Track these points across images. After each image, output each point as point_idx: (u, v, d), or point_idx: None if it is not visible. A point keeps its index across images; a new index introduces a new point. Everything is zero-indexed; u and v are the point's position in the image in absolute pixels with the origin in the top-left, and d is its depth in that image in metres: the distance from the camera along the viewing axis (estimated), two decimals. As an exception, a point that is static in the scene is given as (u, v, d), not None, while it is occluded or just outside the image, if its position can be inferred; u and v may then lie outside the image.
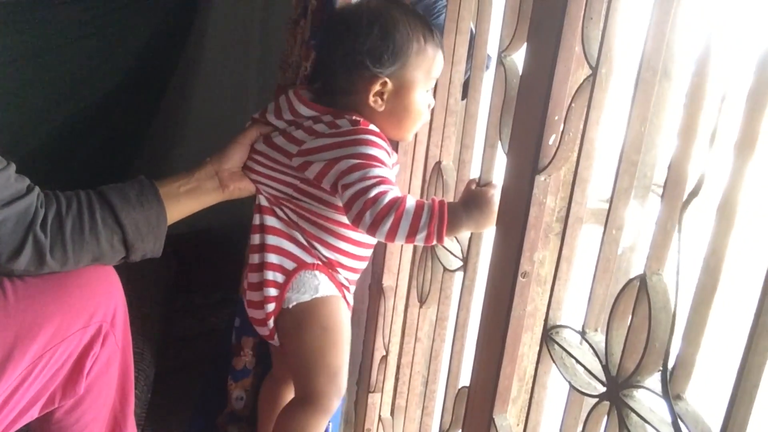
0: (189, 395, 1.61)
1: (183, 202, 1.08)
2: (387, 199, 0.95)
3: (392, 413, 1.43)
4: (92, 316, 1.01)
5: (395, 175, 1.12)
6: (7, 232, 0.90)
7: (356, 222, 0.98)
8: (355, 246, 1.12)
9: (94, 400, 1.08)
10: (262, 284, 1.10)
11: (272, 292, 1.10)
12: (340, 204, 1.02)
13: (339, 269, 1.12)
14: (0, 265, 0.93)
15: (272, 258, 1.10)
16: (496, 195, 0.94)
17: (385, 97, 1.05)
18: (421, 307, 1.25)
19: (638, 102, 0.67)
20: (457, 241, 1.08)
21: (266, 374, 1.58)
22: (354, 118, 1.04)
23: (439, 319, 1.17)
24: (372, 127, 1.04)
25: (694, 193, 0.59)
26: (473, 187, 0.99)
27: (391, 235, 0.96)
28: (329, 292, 1.11)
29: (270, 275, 1.10)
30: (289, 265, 1.10)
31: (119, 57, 1.80)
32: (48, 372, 0.99)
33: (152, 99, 2.05)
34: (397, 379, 1.40)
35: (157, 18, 1.84)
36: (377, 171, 0.98)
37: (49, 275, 0.98)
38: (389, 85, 1.04)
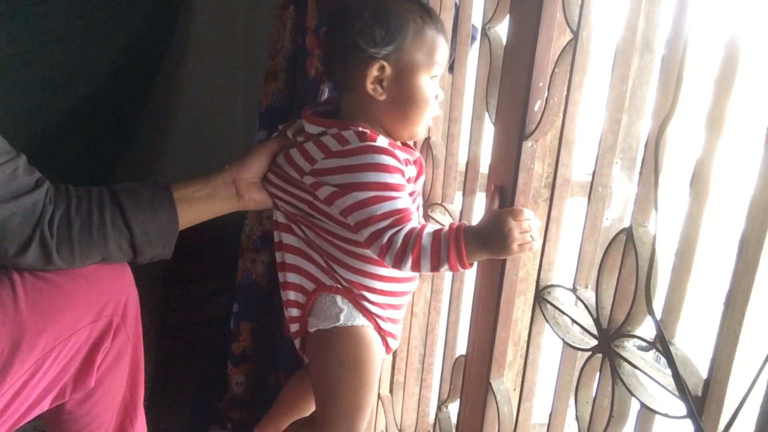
0: (189, 383, 1.63)
1: (197, 207, 1.04)
2: (400, 239, 0.90)
3: (391, 390, 1.46)
4: (102, 310, 1.00)
5: (420, 185, 1.06)
6: (14, 227, 0.89)
7: (381, 259, 0.93)
8: (380, 267, 1.01)
9: (105, 393, 1.08)
10: (287, 304, 1.07)
11: (294, 312, 1.07)
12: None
13: (366, 293, 1.02)
14: (7, 260, 0.93)
15: (292, 278, 1.05)
16: (516, 224, 0.84)
17: (384, 84, 0.97)
18: (415, 282, 1.27)
19: (619, 61, 0.69)
20: (449, 213, 1.11)
21: (265, 359, 1.60)
22: (360, 129, 0.97)
23: (434, 292, 1.19)
24: (380, 141, 0.97)
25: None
26: (495, 201, 0.89)
27: (416, 270, 0.92)
28: (353, 321, 1.02)
29: (292, 295, 1.06)
30: (309, 285, 1.04)
31: (106, 51, 1.81)
32: (58, 365, 0.99)
33: (140, 91, 2.05)
34: (394, 357, 1.42)
35: (143, 10, 1.84)
36: (390, 205, 0.92)
37: (58, 270, 0.98)
38: (387, 69, 0.96)
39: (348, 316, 1.02)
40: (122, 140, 2.07)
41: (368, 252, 0.97)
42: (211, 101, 2.14)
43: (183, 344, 1.81)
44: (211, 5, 2.09)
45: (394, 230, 0.90)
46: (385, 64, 0.96)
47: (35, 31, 1.59)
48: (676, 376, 0.59)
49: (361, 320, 1.02)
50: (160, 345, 1.66)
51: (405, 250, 0.89)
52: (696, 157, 0.60)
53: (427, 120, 1.02)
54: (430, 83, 0.99)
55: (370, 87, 0.97)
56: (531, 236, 0.84)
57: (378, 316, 1.04)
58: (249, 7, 2.09)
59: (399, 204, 0.92)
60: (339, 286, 1.02)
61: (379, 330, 1.04)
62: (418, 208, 1.04)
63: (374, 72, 0.96)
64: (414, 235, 0.89)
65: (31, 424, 1.13)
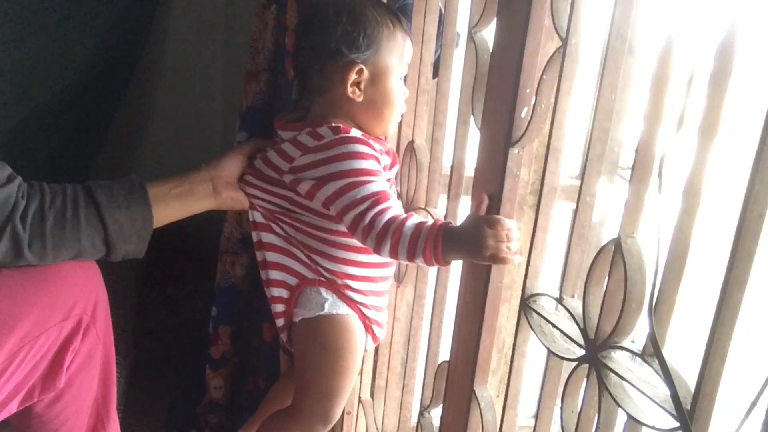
0: (166, 386, 1.61)
1: (172, 205, 1.05)
2: (384, 220, 0.93)
3: (372, 395, 1.45)
4: (72, 309, 0.99)
5: (394, 173, 1.11)
6: None
7: (364, 245, 0.96)
8: (360, 254, 1.07)
9: (76, 394, 1.06)
10: (272, 300, 1.10)
11: (279, 308, 1.10)
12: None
13: (349, 282, 1.07)
14: None
15: (274, 275, 1.09)
16: (492, 233, 0.83)
17: (362, 86, 1.03)
18: (398, 287, 1.26)
19: (608, 69, 0.68)
20: (432, 218, 1.10)
21: (243, 364, 1.58)
22: (333, 124, 1.01)
23: (416, 296, 1.18)
24: (354, 132, 1.01)
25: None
26: (483, 205, 0.87)
27: (393, 256, 0.93)
28: (337, 310, 1.06)
29: (275, 291, 1.09)
30: (292, 281, 1.08)
31: (82, 45, 1.76)
32: (26, 366, 0.97)
33: (117, 88, 2.01)
34: (375, 361, 1.41)
35: (121, 4, 1.81)
36: (369, 188, 0.95)
37: (27, 267, 0.95)
38: (365, 72, 1.02)
39: (332, 305, 1.06)
40: (98, 139, 2.03)
41: (349, 240, 1.04)
42: (189, 99, 2.11)
43: (160, 347, 1.78)
44: (189, 1, 2.05)
45: (376, 211, 0.94)
46: (363, 67, 1.02)
47: (10, 23, 1.55)
48: (672, 389, 0.59)
49: (345, 309, 1.07)
50: (137, 347, 1.63)
51: (386, 233, 0.92)
52: (688, 166, 0.59)
53: (398, 116, 1.09)
54: (399, 83, 1.06)
55: (349, 90, 1.02)
56: (508, 247, 0.84)
57: (362, 304, 1.08)
58: (228, 4, 2.06)
59: (375, 187, 0.96)
60: (322, 278, 1.06)
61: (364, 318, 1.09)
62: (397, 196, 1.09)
63: (353, 75, 1.02)
64: (398, 221, 0.92)
65: (8, 429, 1.10)
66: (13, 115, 1.73)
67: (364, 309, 1.09)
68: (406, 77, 1.13)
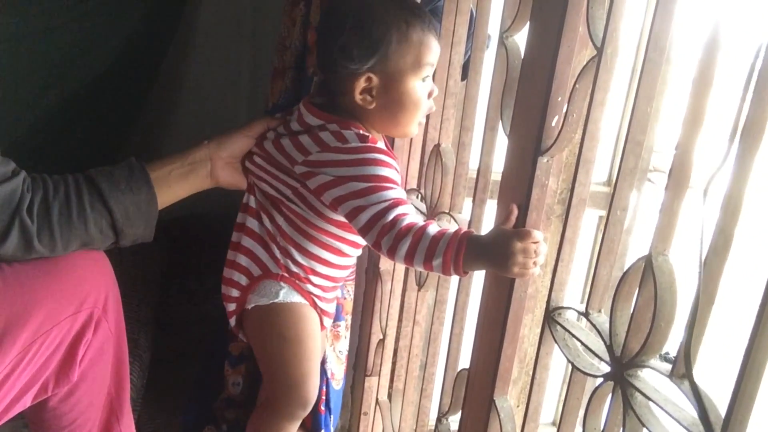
0: (185, 381, 1.61)
1: (174, 187, 1.05)
2: (405, 222, 0.91)
3: (390, 397, 1.44)
4: (83, 302, 0.99)
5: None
6: None
7: (375, 246, 0.94)
8: (335, 255, 1.09)
9: (89, 388, 1.07)
10: (229, 282, 1.11)
11: (234, 293, 1.11)
12: (334, 217, 1.03)
13: (311, 276, 1.09)
14: None
15: (242, 260, 1.10)
16: (521, 248, 0.81)
17: (374, 92, 1.00)
18: (419, 290, 1.25)
19: (645, 82, 0.66)
20: (456, 222, 1.08)
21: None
22: (361, 132, 1.00)
23: (437, 302, 1.17)
24: (380, 144, 1.01)
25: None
26: (513, 218, 0.85)
27: (409, 258, 0.90)
28: (291, 299, 1.08)
29: (236, 276, 1.10)
30: (256, 271, 1.09)
31: (109, 41, 1.77)
32: (39, 359, 0.97)
33: (142, 83, 2.02)
34: (394, 363, 1.40)
35: (148, 0, 1.81)
36: (391, 193, 0.94)
37: (38, 261, 0.96)
38: (375, 80, 0.99)
39: (287, 294, 1.07)
40: (122, 132, 2.04)
41: (330, 240, 1.07)
42: (214, 95, 2.11)
43: (179, 341, 1.79)
44: (217, -1, 2.06)
45: (399, 211, 0.92)
46: (372, 75, 0.99)
47: (40, 15, 1.56)
48: (703, 414, 0.57)
49: (298, 298, 1.09)
50: (156, 341, 1.64)
51: (407, 232, 0.90)
52: (726, 180, 0.57)
53: (419, 119, 1.04)
54: (422, 84, 1.01)
55: (359, 98, 1.00)
56: (534, 262, 0.82)
57: (317, 296, 1.11)
58: (256, 1, 2.05)
59: (396, 194, 0.95)
60: (285, 274, 1.08)
61: (315, 307, 1.11)
62: None
63: (362, 84, 0.99)
64: (419, 224, 0.91)
65: (23, 421, 1.11)
66: (44, 105, 1.75)
67: (317, 300, 1.11)
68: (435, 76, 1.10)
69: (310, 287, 1.09)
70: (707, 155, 0.62)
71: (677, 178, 0.62)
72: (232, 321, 1.14)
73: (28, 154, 1.61)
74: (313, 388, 1.11)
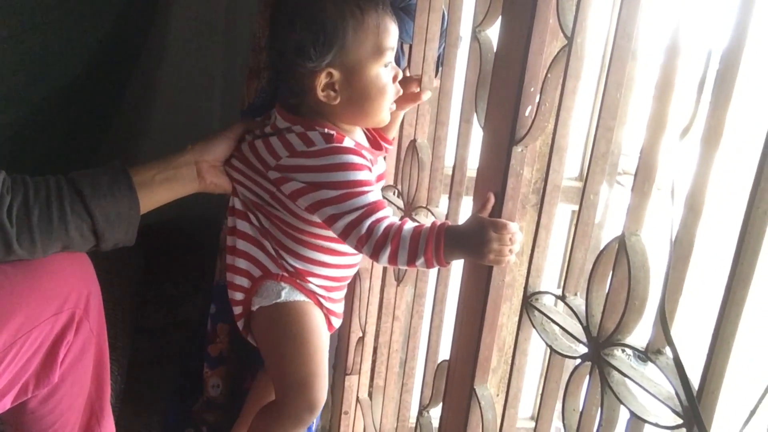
0: (163, 384, 1.60)
1: (157, 191, 1.03)
2: (381, 228, 0.91)
3: (370, 394, 1.45)
4: (64, 303, 0.98)
5: (380, 186, 1.09)
6: None
7: (358, 251, 0.95)
8: (330, 255, 1.07)
9: (70, 389, 1.06)
10: (232, 287, 1.10)
11: (238, 296, 1.10)
12: (316, 219, 1.00)
13: (310, 278, 1.07)
14: None
15: (241, 263, 1.08)
16: (496, 237, 0.83)
17: (336, 87, 0.97)
18: (398, 285, 1.26)
19: (614, 68, 0.69)
20: (433, 216, 1.10)
21: (242, 362, 1.57)
22: (326, 131, 0.98)
23: (416, 296, 1.18)
24: (347, 141, 0.98)
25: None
26: (489, 205, 0.87)
27: (392, 262, 0.92)
28: (294, 297, 1.07)
29: (237, 279, 1.09)
30: (256, 272, 1.08)
31: (83, 42, 1.76)
32: (20, 361, 0.96)
33: (117, 85, 2.01)
34: (374, 360, 1.41)
35: (121, 3, 1.80)
36: (363, 199, 0.93)
37: (18, 262, 0.95)
38: (336, 74, 0.96)
39: (289, 293, 1.06)
40: (98, 136, 2.02)
41: (318, 242, 1.04)
42: (188, 96, 2.11)
43: (157, 345, 1.77)
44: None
45: (373, 219, 0.92)
46: (332, 70, 0.96)
47: (10, 19, 1.54)
48: (686, 387, 0.59)
49: (301, 297, 1.07)
50: (134, 345, 1.62)
51: (385, 240, 0.91)
52: (693, 165, 0.60)
53: (388, 105, 1.01)
54: (385, 70, 0.99)
55: (321, 95, 0.97)
56: (510, 250, 0.84)
57: (320, 295, 1.09)
58: (229, 2, 2.06)
59: (371, 197, 0.94)
60: (285, 273, 1.06)
61: (321, 306, 1.09)
62: None
63: (323, 80, 0.97)
64: (395, 227, 0.91)
65: (1, 428, 1.09)
66: (13, 113, 1.72)
67: (321, 299, 1.09)
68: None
69: (312, 286, 1.08)
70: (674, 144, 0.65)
71: (646, 159, 0.65)
72: (240, 324, 1.13)
73: (4, 155, 1.59)
74: (320, 390, 1.06)
